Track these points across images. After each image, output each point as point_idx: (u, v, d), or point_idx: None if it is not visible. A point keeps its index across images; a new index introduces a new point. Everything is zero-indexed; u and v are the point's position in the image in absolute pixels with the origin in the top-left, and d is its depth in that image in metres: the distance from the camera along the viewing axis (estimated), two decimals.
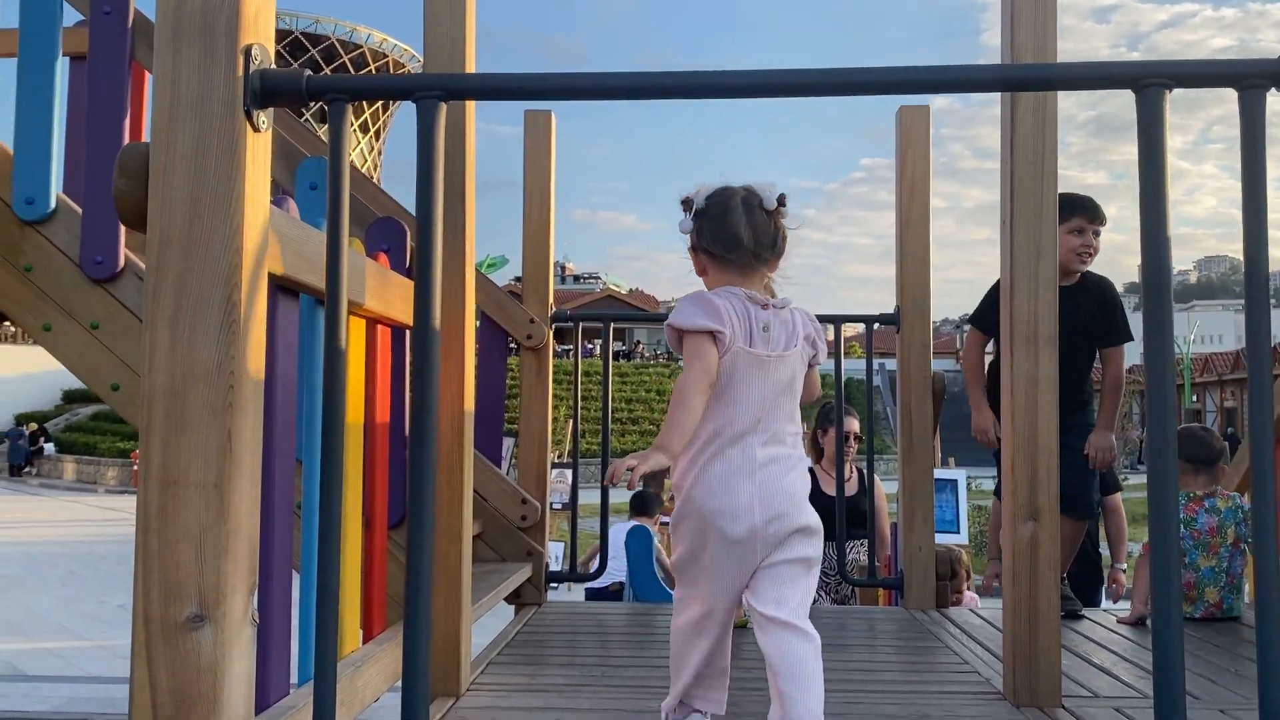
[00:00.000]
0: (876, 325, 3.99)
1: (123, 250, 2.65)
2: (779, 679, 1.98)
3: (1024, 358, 2.44)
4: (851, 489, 4.77)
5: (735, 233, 2.11)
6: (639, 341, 57.11)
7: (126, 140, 2.67)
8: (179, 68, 1.23)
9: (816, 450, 5.21)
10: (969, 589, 4.73)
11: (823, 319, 4.27)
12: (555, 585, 4.05)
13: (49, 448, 33.34)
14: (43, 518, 19.07)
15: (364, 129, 71.55)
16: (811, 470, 5.06)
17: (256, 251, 1.28)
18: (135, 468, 27.55)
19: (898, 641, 3.21)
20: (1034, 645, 2.41)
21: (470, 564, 2.59)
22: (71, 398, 39.70)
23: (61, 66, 2.75)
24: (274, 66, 1.30)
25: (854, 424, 5.08)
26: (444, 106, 1.28)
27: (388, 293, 2.29)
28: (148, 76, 2.87)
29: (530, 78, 1.29)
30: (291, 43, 66.60)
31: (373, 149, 73.29)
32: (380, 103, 72.03)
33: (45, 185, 2.65)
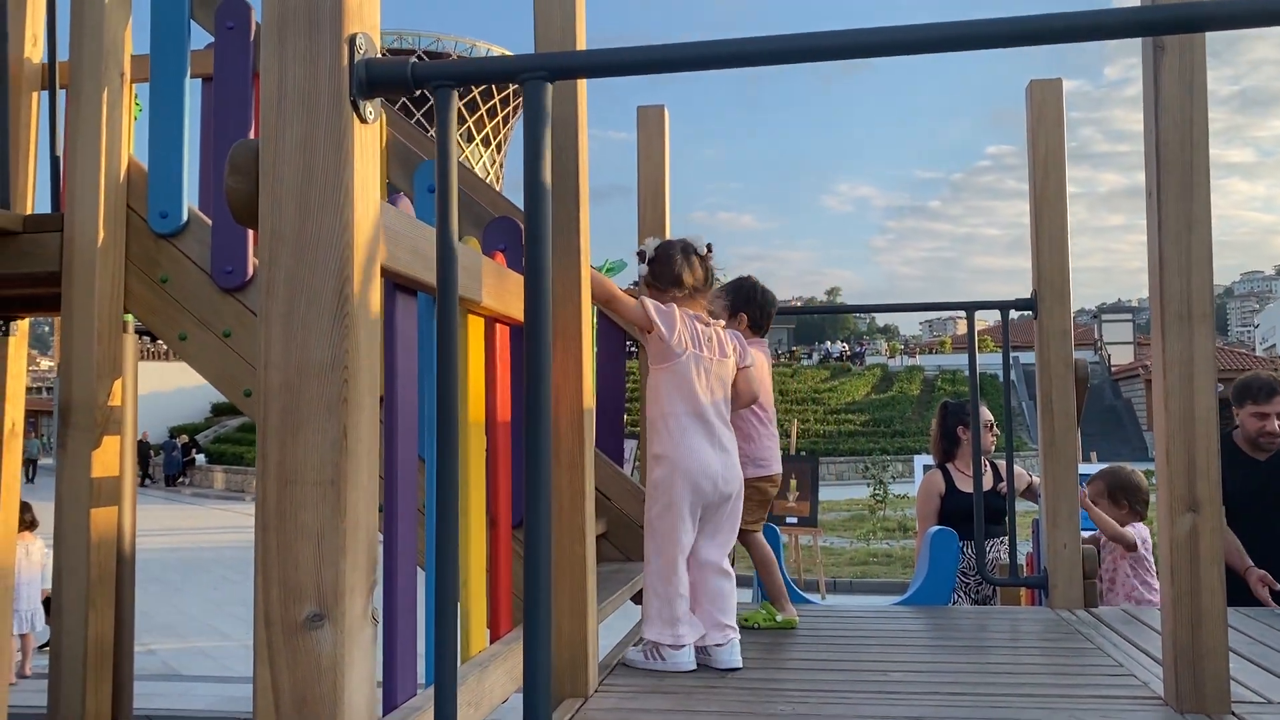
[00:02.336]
0: (1013, 313, 3.82)
1: (251, 259, 2.71)
2: (709, 605, 2.71)
3: (1176, 337, 2.27)
4: (986, 485, 4.57)
5: (679, 274, 2.86)
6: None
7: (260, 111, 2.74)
8: (284, 61, 1.23)
9: (944, 449, 4.99)
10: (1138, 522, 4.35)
11: (953, 306, 4.17)
12: None
13: (200, 458, 35.08)
14: (195, 525, 20.04)
15: (485, 143, 73.11)
16: (944, 469, 4.88)
17: (368, 245, 1.27)
18: None
19: (1044, 643, 3.04)
20: (1197, 646, 2.23)
21: (595, 563, 2.56)
22: (220, 410, 41.68)
23: (191, 87, 2.85)
24: (380, 56, 1.28)
25: (987, 414, 4.88)
26: (550, 87, 1.24)
27: (505, 291, 2.28)
28: None
29: (636, 50, 1.24)
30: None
31: (494, 162, 74.81)
32: (501, 116, 73.44)
33: (178, 199, 2.74)
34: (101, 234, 2.63)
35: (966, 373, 4.08)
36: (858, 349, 56.25)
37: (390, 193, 3.06)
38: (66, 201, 2.69)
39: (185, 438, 36.69)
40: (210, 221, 2.74)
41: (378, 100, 1.27)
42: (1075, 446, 3.59)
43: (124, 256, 2.72)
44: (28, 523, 7.55)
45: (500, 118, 74.08)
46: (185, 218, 2.73)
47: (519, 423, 2.49)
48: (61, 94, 3.26)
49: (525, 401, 1.29)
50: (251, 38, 2.75)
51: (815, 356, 55.51)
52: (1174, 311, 2.28)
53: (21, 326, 3.58)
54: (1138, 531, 4.13)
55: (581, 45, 2.42)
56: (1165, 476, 2.27)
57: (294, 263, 1.21)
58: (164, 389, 38.30)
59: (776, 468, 3.31)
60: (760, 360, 3.32)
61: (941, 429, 5.04)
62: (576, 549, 2.42)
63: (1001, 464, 4.55)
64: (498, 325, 2.40)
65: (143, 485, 32.72)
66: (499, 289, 2.24)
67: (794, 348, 57.22)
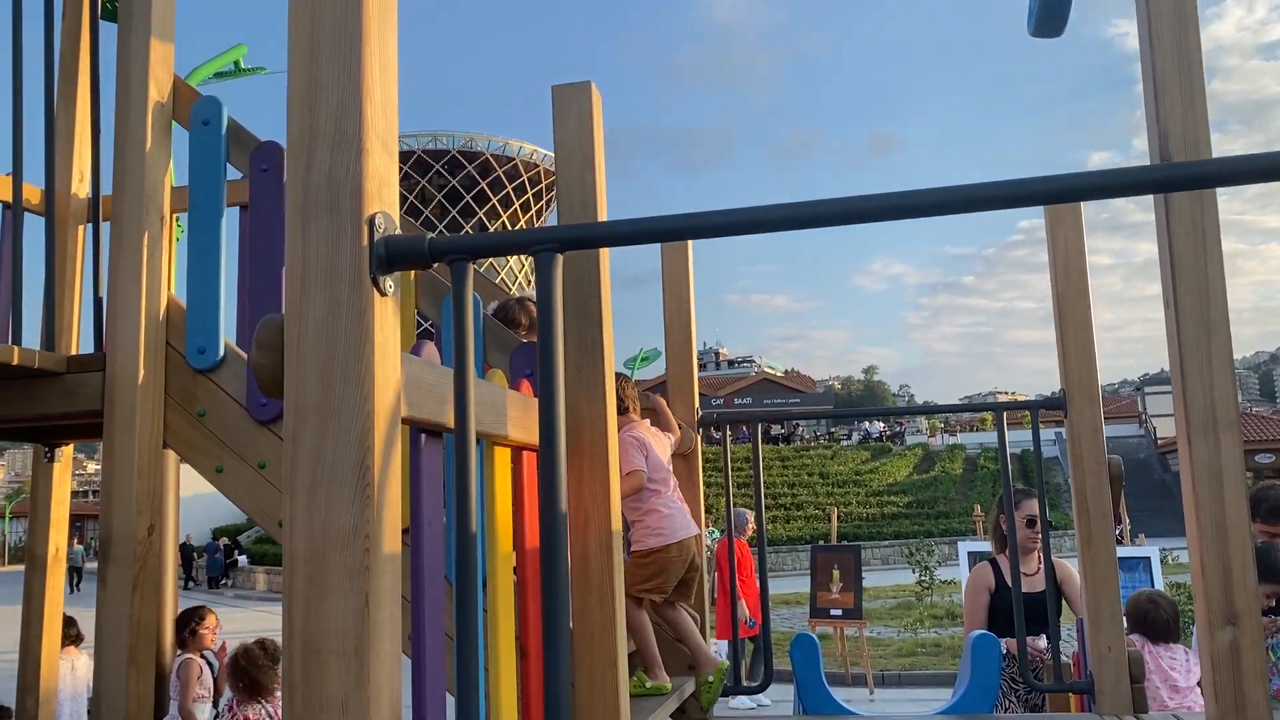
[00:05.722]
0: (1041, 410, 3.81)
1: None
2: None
3: (1203, 447, 2.26)
4: (1038, 584, 4.45)
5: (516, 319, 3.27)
6: (798, 425, 56.35)
7: (284, 287, 2.83)
8: (308, 242, 1.29)
9: (1000, 538, 4.87)
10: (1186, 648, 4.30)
11: (983, 408, 4.15)
12: None
13: (242, 559, 35.19)
14: (238, 629, 19.99)
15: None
16: (994, 562, 4.78)
17: (388, 413, 1.31)
18: None
19: None
20: None
21: (628, 687, 2.54)
22: None
23: (228, 220, 2.96)
24: (398, 231, 1.34)
25: (1033, 505, 4.72)
26: (560, 258, 1.29)
27: (530, 421, 2.31)
28: None
29: (641, 223, 1.29)
30: (449, 161, 70.21)
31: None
32: (535, 209, 74.74)
33: (215, 335, 2.83)
34: (142, 372, 2.72)
35: (1011, 451, 4.02)
36: (897, 428, 55.69)
37: (418, 325, 3.14)
38: (108, 341, 2.78)
39: (226, 539, 36.88)
40: (245, 355, 2.82)
41: (396, 274, 1.33)
42: (1113, 546, 3.54)
43: (163, 392, 2.80)
44: (73, 638, 7.58)
45: (534, 211, 75.39)
46: (222, 353, 2.82)
47: None
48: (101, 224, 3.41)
49: (540, 536, 1.32)
50: (284, 179, 2.87)
51: (855, 436, 55.07)
52: (1199, 420, 2.28)
53: (66, 452, 3.68)
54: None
55: (601, 192, 2.50)
56: (1201, 589, 2.24)
57: (317, 436, 1.26)
58: (206, 490, 38.64)
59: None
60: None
61: (994, 520, 4.97)
62: (609, 675, 2.41)
63: (1057, 560, 4.45)
64: (524, 453, 2.44)
65: (186, 588, 32.83)
66: (524, 420, 2.28)
67: (833, 429, 56.79)
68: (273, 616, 23.21)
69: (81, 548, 40.57)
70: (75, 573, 35.92)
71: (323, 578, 1.23)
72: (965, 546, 10.95)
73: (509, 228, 72.39)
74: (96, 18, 3.33)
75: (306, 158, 1.29)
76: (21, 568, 3.69)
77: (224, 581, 34.62)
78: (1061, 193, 1.27)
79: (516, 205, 73.25)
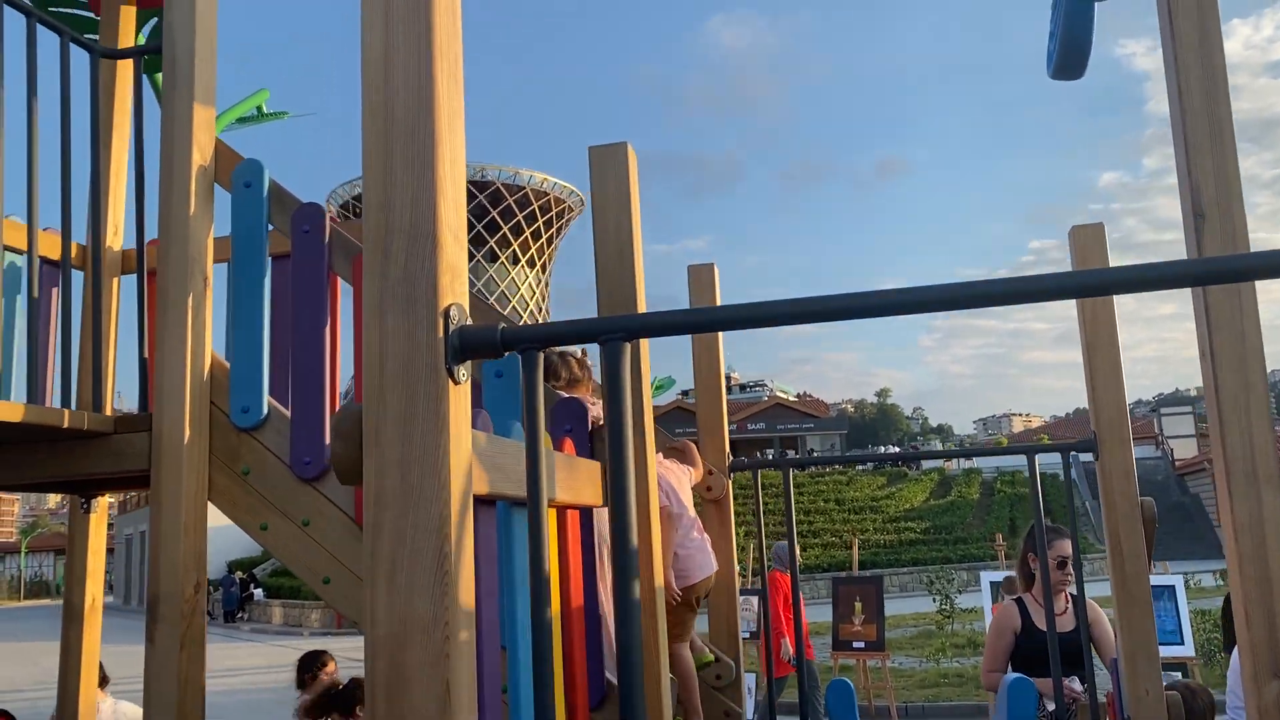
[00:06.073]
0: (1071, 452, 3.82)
1: (328, 450, 2.82)
2: None
3: (1244, 500, 2.28)
4: (1067, 624, 4.45)
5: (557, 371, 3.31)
6: (812, 450, 56.19)
7: (326, 347, 2.87)
8: (386, 337, 1.33)
9: (1027, 576, 4.86)
10: None
11: (1015, 450, 4.16)
12: None
13: (258, 593, 35.17)
14: (257, 664, 19.98)
15: (530, 264, 74.57)
16: (1020, 601, 4.77)
17: (463, 499, 1.35)
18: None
19: None
20: None
21: None
22: None
23: (268, 271, 3.00)
24: (469, 321, 1.38)
25: (1066, 546, 4.65)
26: (628, 346, 1.33)
27: (576, 481, 2.35)
28: (340, 284, 3.05)
29: (707, 312, 1.33)
30: None
31: (540, 281, 76.16)
32: (545, 238, 75.05)
33: (258, 394, 2.87)
34: (188, 433, 2.76)
35: (1025, 473, 4.01)
36: (912, 452, 55.55)
37: None
38: (154, 402, 2.83)
39: (242, 573, 36.89)
40: (288, 414, 2.86)
41: (469, 363, 1.37)
42: (1148, 587, 3.54)
43: (208, 452, 2.84)
44: (99, 679, 7.60)
45: (544, 239, 75.63)
46: (265, 411, 2.86)
47: (591, 605, 2.53)
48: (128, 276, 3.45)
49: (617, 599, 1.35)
50: (325, 239, 2.92)
51: (870, 462, 54.89)
52: (1239, 474, 2.30)
53: (102, 503, 3.72)
54: None
55: (639, 257, 2.55)
56: (1247, 643, 2.25)
57: (397, 525, 1.29)
58: (223, 522, 38.71)
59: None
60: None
61: (1021, 556, 4.93)
62: None
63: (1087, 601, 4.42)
64: (569, 512, 2.46)
65: None
66: (570, 481, 2.31)
67: (847, 454, 56.59)
68: (290, 651, 23.15)
69: None
70: None
71: (404, 666, 1.26)
72: (987, 576, 10.91)
73: (520, 256, 72.72)
74: (140, 73, 3.37)
75: (384, 253, 1.34)
76: (38, 603, 3.73)
77: (240, 615, 34.61)
78: (1092, 287, 1.31)
79: (527, 233, 73.54)
